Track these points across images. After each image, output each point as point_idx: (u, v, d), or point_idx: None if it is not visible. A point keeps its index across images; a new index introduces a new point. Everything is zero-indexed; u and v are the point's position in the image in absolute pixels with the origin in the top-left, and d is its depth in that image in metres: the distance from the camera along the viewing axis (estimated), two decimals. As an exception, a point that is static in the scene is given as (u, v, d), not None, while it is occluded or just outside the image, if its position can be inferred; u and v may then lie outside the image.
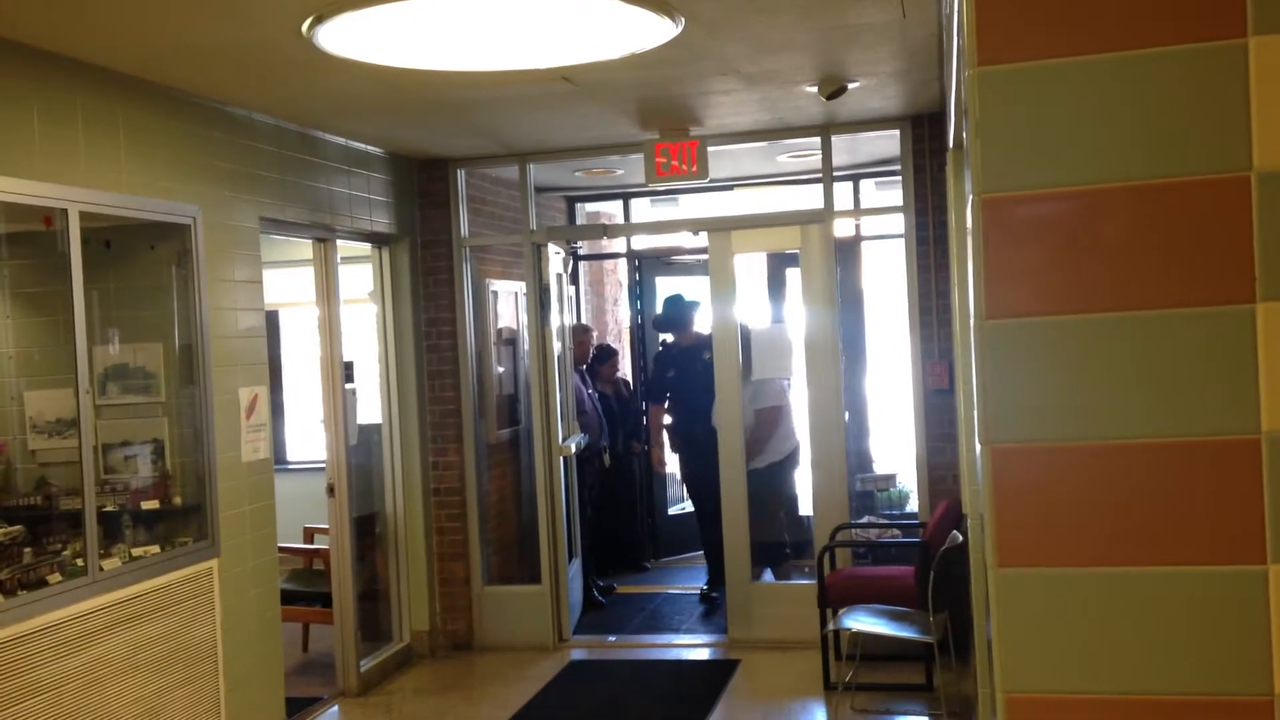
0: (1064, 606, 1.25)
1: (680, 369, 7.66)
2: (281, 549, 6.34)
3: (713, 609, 7.24)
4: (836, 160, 6.59)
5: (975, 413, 1.43)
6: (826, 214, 6.47)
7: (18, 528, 4.16)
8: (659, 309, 8.11)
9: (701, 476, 7.25)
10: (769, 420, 7.15)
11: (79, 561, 4.10)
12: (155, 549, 4.48)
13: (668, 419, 8.00)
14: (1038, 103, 1.28)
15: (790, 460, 7.32)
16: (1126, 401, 1.27)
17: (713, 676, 6.07)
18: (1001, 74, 1.28)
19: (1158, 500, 1.26)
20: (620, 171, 7.65)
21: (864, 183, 8.17)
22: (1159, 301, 1.27)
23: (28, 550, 4.05)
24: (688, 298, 7.90)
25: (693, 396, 7.39)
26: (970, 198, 1.36)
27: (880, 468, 8.02)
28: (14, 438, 4.63)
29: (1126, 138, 1.28)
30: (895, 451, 8.22)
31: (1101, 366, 1.26)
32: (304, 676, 6.28)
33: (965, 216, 2.84)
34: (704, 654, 6.52)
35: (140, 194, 4.39)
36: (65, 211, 4.02)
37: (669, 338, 8.09)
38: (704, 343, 7.36)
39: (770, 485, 7.16)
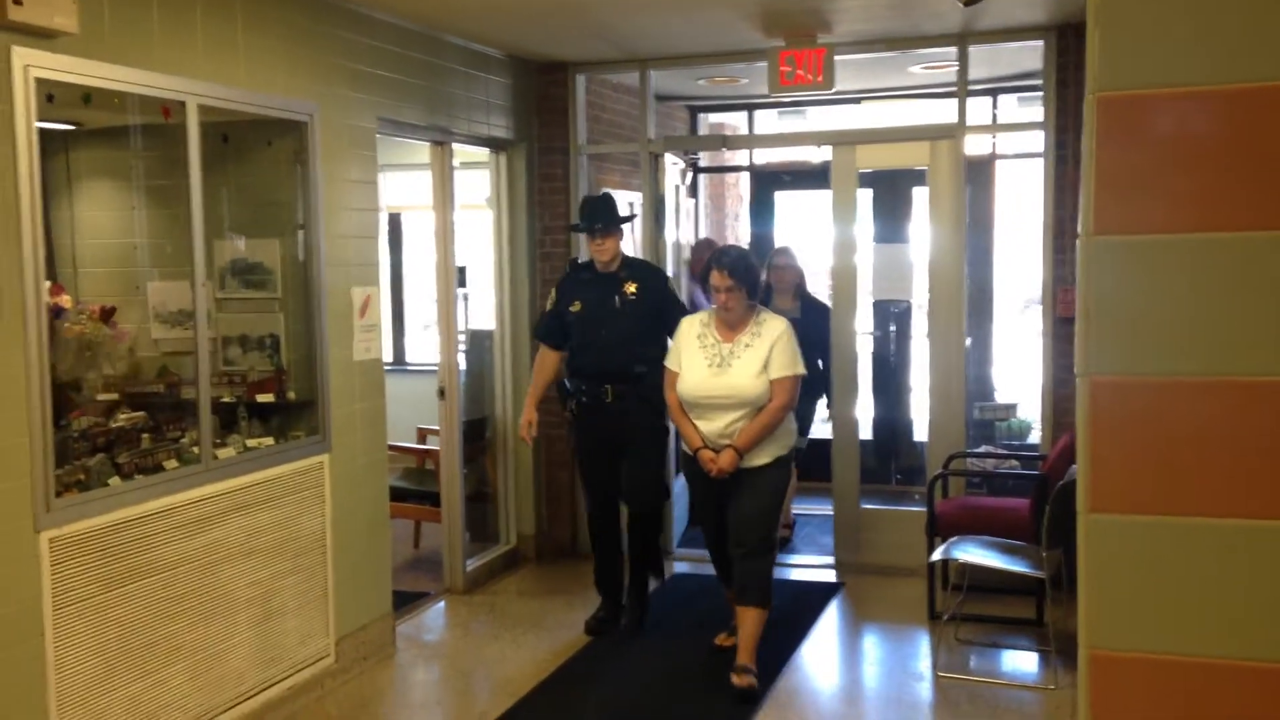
0: (1159, 559, 1.12)
1: (589, 302, 5.31)
2: (396, 448, 6.49)
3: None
4: (975, 73, 6.25)
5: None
6: (959, 129, 6.16)
7: (140, 414, 4.31)
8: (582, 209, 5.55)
9: (608, 465, 5.37)
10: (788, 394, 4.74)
11: (195, 450, 4.23)
12: (269, 441, 4.60)
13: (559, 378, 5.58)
14: (1170, -13, 1.10)
15: (785, 465, 4.88)
16: (1242, 334, 1.11)
17: (815, 597, 6.01)
18: (1129, -48, 1.11)
19: (1271, 446, 1.11)
20: (745, 81, 7.42)
21: (1005, 98, 7.78)
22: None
23: (146, 436, 4.19)
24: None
25: (602, 345, 5.25)
26: (1086, 97, 1.20)
27: (1002, 397, 7.76)
28: (139, 326, 4.78)
29: (1266, 31, 1.10)
30: (1020, 381, 7.94)
31: (1218, 293, 1.10)
32: (413, 571, 6.45)
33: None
34: (807, 575, 6.46)
35: (258, 89, 4.41)
36: (184, 104, 4.06)
37: (581, 255, 6.04)
38: (640, 273, 5.37)
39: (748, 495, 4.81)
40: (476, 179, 6.74)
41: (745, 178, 9.11)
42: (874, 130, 6.88)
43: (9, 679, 3.42)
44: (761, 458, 4.73)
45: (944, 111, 7.03)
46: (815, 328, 6.23)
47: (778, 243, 8.34)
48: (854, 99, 7.89)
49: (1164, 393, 1.12)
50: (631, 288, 5.28)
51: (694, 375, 4.74)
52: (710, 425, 4.73)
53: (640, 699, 4.76)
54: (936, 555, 5.23)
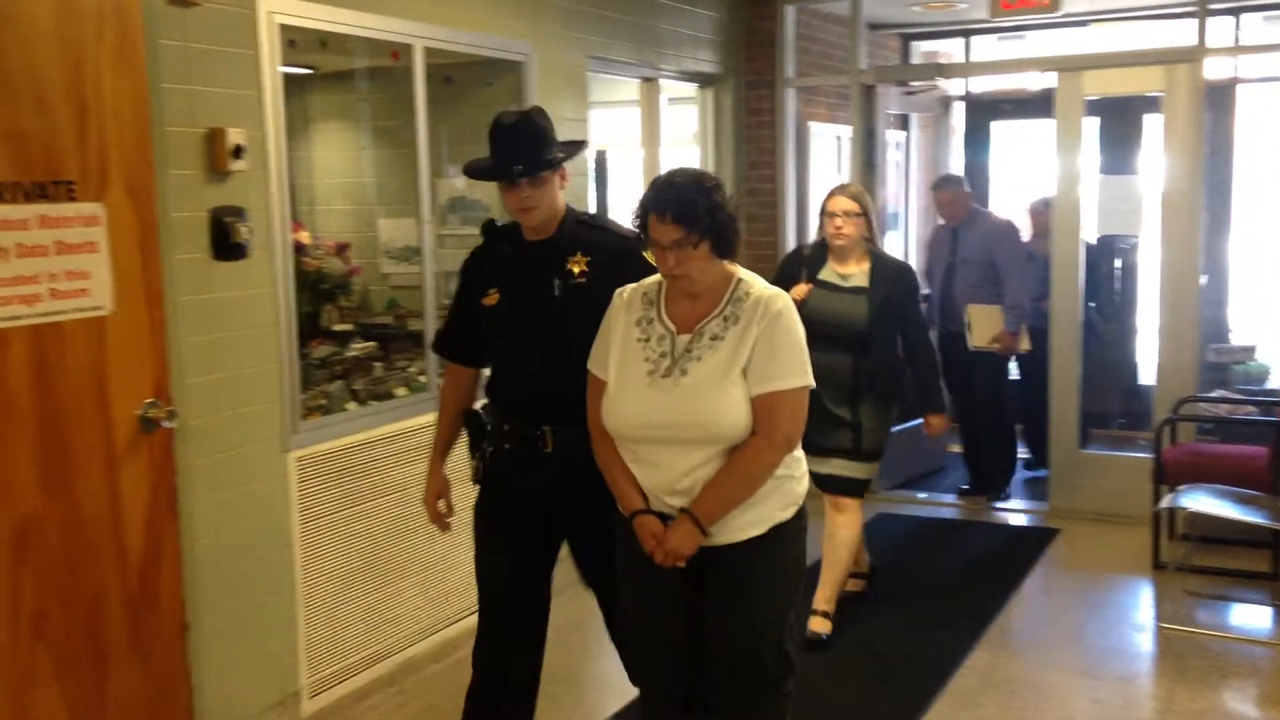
0: None
1: (512, 290, 3.12)
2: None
3: None
4: (1217, -11, 5.80)
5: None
6: (1198, 52, 5.76)
7: (372, 344, 4.57)
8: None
9: (531, 547, 3.17)
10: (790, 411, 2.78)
11: (421, 378, 4.45)
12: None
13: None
14: None
15: (792, 536, 2.86)
16: None
17: (1029, 542, 5.84)
18: None
19: None
20: (963, 5, 7.10)
21: (1248, 17, 7.18)
22: None
23: (378, 365, 4.43)
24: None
25: (534, 359, 3.08)
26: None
27: (1238, 339, 7.28)
28: (369, 262, 5.04)
29: None
30: (1258, 322, 7.43)
31: None
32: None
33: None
34: (1021, 520, 6.28)
35: (478, 30, 4.53)
36: (410, 47, 4.22)
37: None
38: (593, 240, 3.10)
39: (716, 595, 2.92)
40: (680, 115, 6.74)
41: (957, 108, 8.75)
42: (1106, 55, 6.47)
43: (266, 584, 3.72)
44: (748, 529, 2.75)
45: (1180, 33, 6.56)
46: (893, 302, 4.47)
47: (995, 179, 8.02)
48: (1080, 21, 7.45)
49: None
50: (579, 264, 3.07)
51: (627, 389, 2.75)
52: (655, 475, 2.75)
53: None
54: (1164, 503, 4.99)
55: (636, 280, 2.93)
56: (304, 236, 4.72)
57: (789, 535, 2.81)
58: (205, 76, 3.43)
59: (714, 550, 2.74)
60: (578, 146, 3.24)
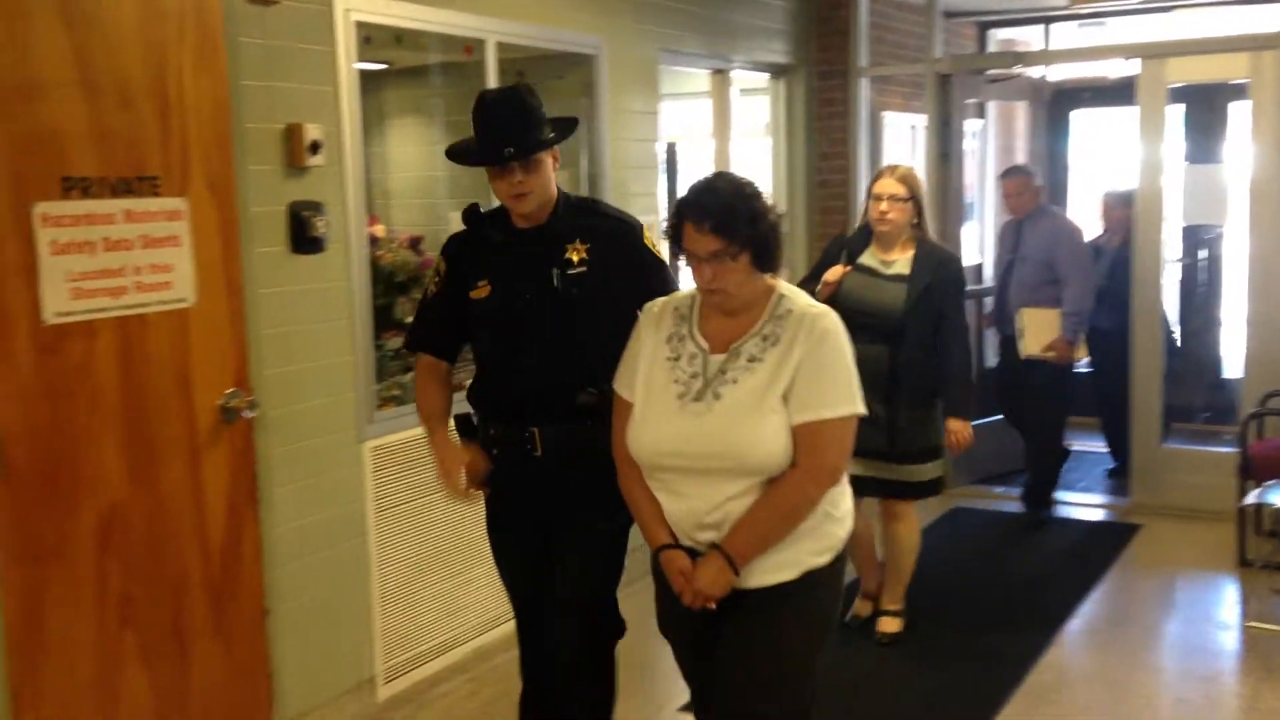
0: None
1: (505, 282, 2.92)
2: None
3: None
4: (1307, -31, 5.62)
5: None
6: (1286, 36, 5.60)
7: (444, 337, 4.60)
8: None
9: (540, 563, 3.06)
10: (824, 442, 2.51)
11: (493, 371, 4.48)
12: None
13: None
14: None
15: (828, 585, 2.61)
16: None
17: (1109, 538, 5.73)
18: None
19: None
20: (1042, -9, 6.99)
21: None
22: None
23: (451, 357, 4.47)
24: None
25: (528, 356, 2.89)
26: None
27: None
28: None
29: None
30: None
31: None
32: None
33: None
34: (1101, 515, 6.16)
35: (550, 24, 4.56)
36: (483, 42, 4.26)
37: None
38: (592, 225, 2.93)
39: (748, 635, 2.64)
40: (752, 106, 6.70)
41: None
42: (1191, 41, 6.31)
43: (342, 571, 3.79)
44: (777, 571, 2.51)
45: (1266, 18, 6.37)
46: (935, 293, 4.23)
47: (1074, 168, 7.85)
48: (1163, 8, 7.27)
49: None
50: (578, 252, 2.87)
51: (655, 413, 2.52)
52: (684, 505, 2.52)
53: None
54: (1250, 499, 4.86)
55: (638, 266, 2.86)
56: (379, 230, 4.78)
57: (822, 583, 2.55)
58: (283, 73, 3.50)
59: (743, 593, 2.51)
60: (571, 124, 2.99)
